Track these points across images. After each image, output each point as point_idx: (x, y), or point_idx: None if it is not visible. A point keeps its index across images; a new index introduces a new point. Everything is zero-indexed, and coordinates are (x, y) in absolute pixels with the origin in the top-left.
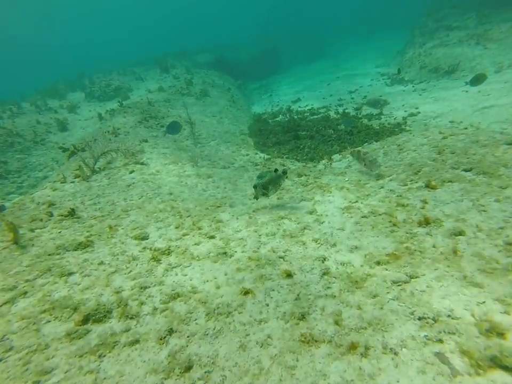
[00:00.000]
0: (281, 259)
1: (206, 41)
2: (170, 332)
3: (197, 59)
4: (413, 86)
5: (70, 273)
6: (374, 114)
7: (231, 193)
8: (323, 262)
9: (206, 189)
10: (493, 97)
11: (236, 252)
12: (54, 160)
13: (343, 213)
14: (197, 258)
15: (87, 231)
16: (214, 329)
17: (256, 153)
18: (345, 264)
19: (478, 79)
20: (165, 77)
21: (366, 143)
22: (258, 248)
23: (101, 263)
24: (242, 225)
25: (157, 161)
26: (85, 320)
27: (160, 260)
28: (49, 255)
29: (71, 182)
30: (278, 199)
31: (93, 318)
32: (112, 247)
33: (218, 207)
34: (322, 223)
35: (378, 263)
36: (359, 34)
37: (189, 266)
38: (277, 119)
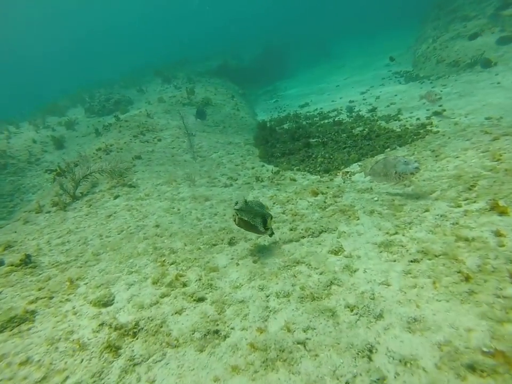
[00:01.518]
0: (301, 346)
1: (208, 47)
2: None
3: (199, 67)
4: (431, 82)
5: None
6: (392, 115)
7: (232, 222)
8: (370, 359)
9: (201, 217)
10: None
11: (232, 328)
12: (49, 181)
13: (381, 252)
14: (176, 342)
15: (39, 289)
16: None
17: (263, 166)
18: (409, 364)
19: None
20: (166, 88)
21: (388, 149)
22: (265, 321)
23: (26, 361)
24: (244, 276)
25: (148, 181)
26: None
27: (119, 349)
28: None
29: (46, 212)
30: (291, 230)
31: None
32: (58, 323)
33: (214, 245)
34: (355, 271)
35: (472, 368)
36: (364, 34)
37: (160, 360)
38: (284, 126)
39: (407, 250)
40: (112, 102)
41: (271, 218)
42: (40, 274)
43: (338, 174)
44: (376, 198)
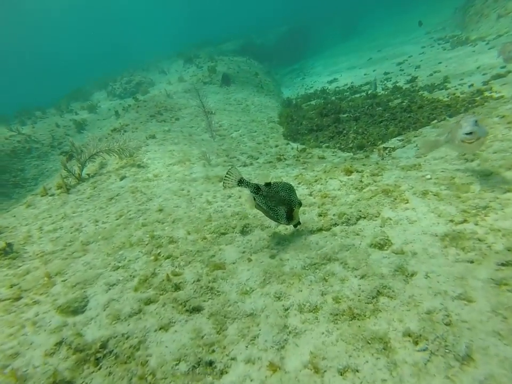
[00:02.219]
0: None
1: (231, 30)
2: None
3: (222, 47)
4: (487, 44)
5: None
6: (436, 84)
7: (248, 205)
8: None
9: (212, 200)
10: None
11: (233, 359)
12: (70, 165)
13: (446, 248)
14: (151, 379)
15: (10, 287)
16: None
17: (288, 144)
18: None
19: None
20: (188, 68)
21: (435, 120)
22: (281, 350)
23: None
24: (257, 278)
25: (159, 161)
26: None
27: None
28: None
29: (50, 195)
30: (320, 215)
31: None
32: (10, 337)
33: (224, 234)
34: (412, 276)
35: None
36: (398, 5)
37: None
38: (311, 102)
39: (489, 247)
40: (133, 84)
41: (299, 206)
42: (20, 266)
43: (374, 150)
44: (429, 176)
